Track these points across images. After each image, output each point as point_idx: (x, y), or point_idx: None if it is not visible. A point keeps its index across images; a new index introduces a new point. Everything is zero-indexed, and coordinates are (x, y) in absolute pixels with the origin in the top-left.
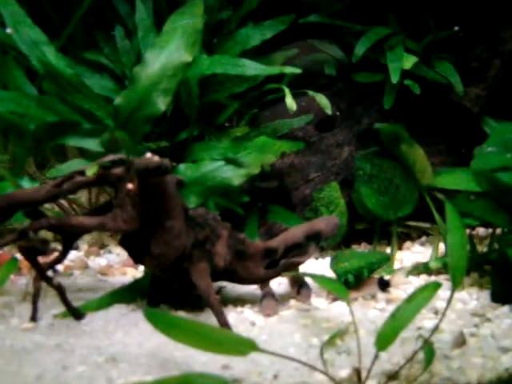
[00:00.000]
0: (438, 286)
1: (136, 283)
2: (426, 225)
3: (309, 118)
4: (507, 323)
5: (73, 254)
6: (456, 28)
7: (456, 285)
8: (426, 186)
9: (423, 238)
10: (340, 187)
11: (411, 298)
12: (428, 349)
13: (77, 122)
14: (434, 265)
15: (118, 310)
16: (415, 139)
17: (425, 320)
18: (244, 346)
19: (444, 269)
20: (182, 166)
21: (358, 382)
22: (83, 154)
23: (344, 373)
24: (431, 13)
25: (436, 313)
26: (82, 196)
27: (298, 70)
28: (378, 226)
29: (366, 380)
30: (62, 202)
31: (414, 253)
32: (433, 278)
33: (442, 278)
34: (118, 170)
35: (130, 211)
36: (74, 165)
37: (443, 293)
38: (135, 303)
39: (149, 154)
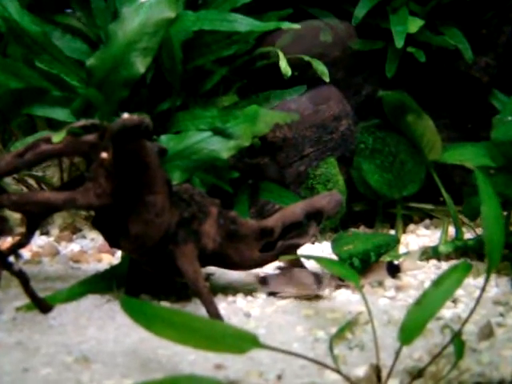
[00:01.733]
0: (469, 267)
1: (112, 270)
2: (430, 206)
3: (302, 89)
4: None
5: (42, 240)
6: None
7: (493, 264)
8: (433, 161)
9: (427, 221)
10: (337, 164)
11: (439, 282)
12: (458, 341)
13: (45, 88)
14: (444, 249)
15: (91, 301)
16: None
17: (443, 309)
18: (243, 342)
19: (455, 253)
20: (163, 138)
21: (378, 382)
22: (53, 126)
23: (360, 371)
24: None
25: (454, 301)
26: (54, 175)
27: (296, 26)
28: (380, 205)
29: (387, 379)
30: (31, 181)
31: (420, 236)
32: (443, 264)
33: (453, 263)
34: (90, 137)
35: (103, 184)
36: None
37: None
38: (111, 293)
39: (126, 115)
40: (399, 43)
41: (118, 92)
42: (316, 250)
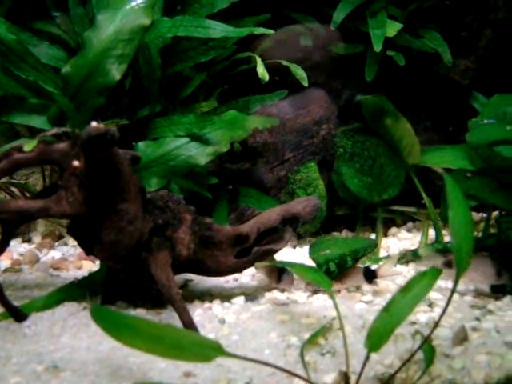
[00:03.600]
0: (438, 272)
1: (90, 277)
2: (412, 209)
3: (283, 94)
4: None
5: (23, 247)
6: None
7: (461, 269)
8: (413, 164)
9: (409, 224)
10: (318, 168)
11: (407, 288)
12: (428, 347)
13: (22, 96)
14: (423, 252)
15: (67, 309)
16: None
17: (418, 313)
18: (209, 350)
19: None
20: (141, 144)
21: None
22: (34, 133)
23: (329, 378)
24: None
25: (431, 305)
26: (37, 183)
27: (269, 31)
28: (360, 209)
29: None
30: (14, 189)
31: (401, 239)
32: (423, 267)
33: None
34: (61, 146)
35: (76, 193)
36: None
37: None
38: (88, 301)
39: (94, 123)
40: (377, 47)
41: (93, 99)
42: (297, 255)
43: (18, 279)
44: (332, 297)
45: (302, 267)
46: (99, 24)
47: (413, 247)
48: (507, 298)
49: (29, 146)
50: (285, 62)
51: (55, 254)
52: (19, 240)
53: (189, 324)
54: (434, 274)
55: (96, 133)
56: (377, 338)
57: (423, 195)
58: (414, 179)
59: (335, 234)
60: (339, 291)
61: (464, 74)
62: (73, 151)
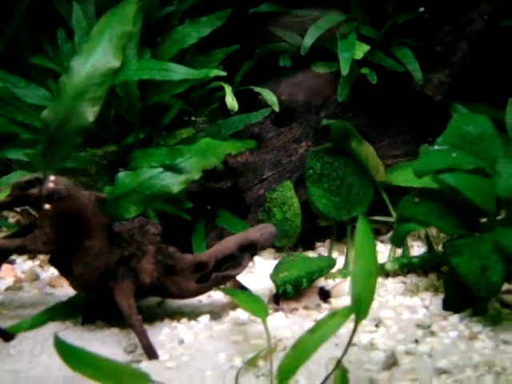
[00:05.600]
0: (347, 313)
1: (74, 298)
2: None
3: (267, 112)
4: (452, 337)
5: (27, 265)
6: (421, 9)
7: (360, 318)
8: (381, 182)
9: (385, 237)
10: (297, 185)
11: (316, 328)
12: (340, 372)
13: (14, 133)
14: (390, 266)
15: (51, 329)
16: (377, 130)
17: (363, 334)
18: (136, 379)
19: (401, 270)
20: (120, 175)
21: None
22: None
23: None
24: None
25: (378, 325)
26: None
27: (222, 73)
28: (334, 226)
29: None
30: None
31: None
32: (390, 281)
33: (399, 281)
34: (34, 191)
35: (48, 232)
36: (14, 177)
37: (394, 299)
38: (71, 320)
39: (52, 177)
40: (344, 71)
41: (71, 140)
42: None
43: (15, 298)
44: (264, 324)
45: (242, 295)
46: (72, 69)
47: (384, 260)
48: (455, 317)
49: (3, 194)
50: (257, 89)
51: (55, 271)
52: (25, 257)
53: (147, 347)
54: (345, 313)
55: (46, 193)
56: (285, 373)
57: (391, 210)
58: (384, 196)
59: (318, 244)
60: (297, 309)
61: (437, 90)
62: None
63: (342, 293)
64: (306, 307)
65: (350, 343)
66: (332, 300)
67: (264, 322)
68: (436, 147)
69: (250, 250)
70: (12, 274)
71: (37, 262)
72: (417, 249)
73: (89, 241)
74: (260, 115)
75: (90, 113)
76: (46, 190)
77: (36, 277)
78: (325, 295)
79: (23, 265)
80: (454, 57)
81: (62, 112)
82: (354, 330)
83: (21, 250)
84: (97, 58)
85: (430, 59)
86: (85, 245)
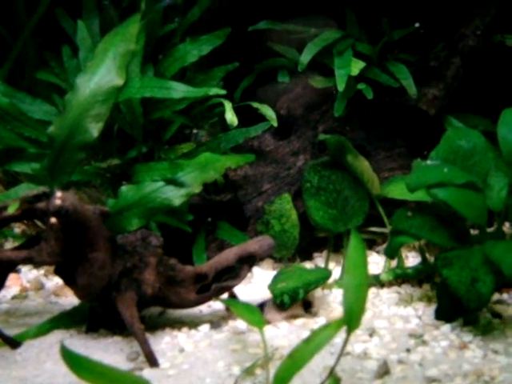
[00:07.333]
0: (340, 324)
1: (77, 308)
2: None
3: (266, 125)
4: (443, 346)
5: (32, 274)
6: (416, 25)
7: (351, 329)
8: (376, 195)
9: (380, 247)
10: (295, 197)
11: (311, 339)
12: (333, 380)
13: (21, 147)
14: (385, 277)
15: (56, 336)
16: (374, 144)
17: (356, 343)
18: None
19: (396, 280)
20: (123, 188)
21: None
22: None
23: None
24: (390, 11)
25: (371, 334)
26: None
27: (222, 92)
28: (331, 237)
29: None
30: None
31: (370, 263)
32: (384, 291)
33: (394, 291)
34: (41, 205)
35: (53, 245)
36: (21, 190)
37: (388, 309)
38: (75, 328)
39: (58, 194)
40: (341, 87)
41: (75, 155)
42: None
43: (21, 306)
44: (262, 335)
45: (240, 306)
46: (77, 87)
47: (379, 271)
48: (446, 327)
49: (12, 207)
50: (255, 105)
51: (59, 280)
52: (30, 266)
53: (149, 355)
54: (337, 325)
55: (53, 209)
56: (280, 381)
57: (386, 222)
58: (379, 208)
59: (316, 254)
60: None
61: (431, 104)
62: (50, 210)
63: (324, 302)
64: (292, 316)
65: (342, 353)
66: (335, 305)
67: (261, 332)
68: (429, 162)
69: (249, 261)
70: (18, 283)
71: (41, 271)
72: (412, 259)
73: (93, 253)
74: (259, 129)
75: (95, 129)
76: (53, 207)
77: (41, 286)
78: (307, 305)
79: (28, 274)
80: (447, 71)
81: (68, 128)
82: (346, 341)
83: (27, 262)
84: (101, 76)
85: (424, 74)
86: (89, 257)
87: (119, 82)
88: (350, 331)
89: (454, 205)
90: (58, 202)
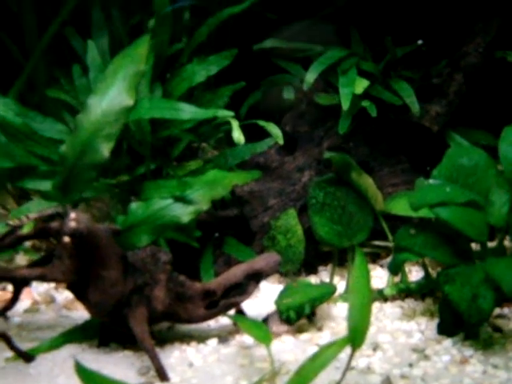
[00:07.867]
0: (344, 342)
1: (90, 322)
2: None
3: (272, 141)
4: (445, 361)
5: (43, 287)
6: (419, 42)
7: (356, 346)
8: (380, 211)
9: (384, 261)
10: (300, 213)
11: (317, 356)
12: None
13: (33, 165)
14: (388, 291)
15: (68, 351)
16: (378, 160)
17: (361, 358)
18: None
19: (399, 295)
20: (133, 205)
21: None
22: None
23: None
24: (393, 29)
25: (375, 349)
26: None
27: (230, 113)
28: (336, 252)
29: None
30: None
31: (374, 277)
32: (388, 305)
33: (397, 305)
34: (54, 224)
35: (67, 263)
36: (33, 206)
37: (391, 323)
38: (87, 342)
39: (73, 215)
40: (345, 105)
41: (86, 174)
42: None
43: (32, 320)
44: (268, 350)
45: (247, 321)
46: (89, 107)
47: (383, 285)
48: (448, 342)
49: (27, 227)
50: (261, 123)
51: (69, 294)
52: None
53: (159, 369)
54: (342, 343)
55: (69, 231)
56: None
57: (389, 238)
58: (383, 224)
59: (321, 268)
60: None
61: (434, 120)
62: (63, 230)
63: (329, 316)
64: (297, 329)
65: (347, 368)
66: (339, 320)
67: (269, 349)
68: (431, 181)
69: (256, 278)
70: (29, 297)
71: (52, 285)
72: (415, 273)
73: (105, 271)
74: (265, 145)
75: (106, 148)
76: (68, 229)
77: (52, 299)
78: (311, 316)
79: (39, 287)
80: (450, 88)
81: (79, 147)
82: (351, 358)
83: (41, 279)
84: (112, 96)
85: (427, 91)
86: (101, 274)
87: (130, 102)
88: (354, 349)
89: (456, 224)
90: (72, 224)
